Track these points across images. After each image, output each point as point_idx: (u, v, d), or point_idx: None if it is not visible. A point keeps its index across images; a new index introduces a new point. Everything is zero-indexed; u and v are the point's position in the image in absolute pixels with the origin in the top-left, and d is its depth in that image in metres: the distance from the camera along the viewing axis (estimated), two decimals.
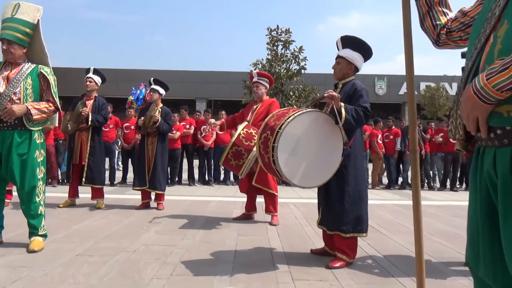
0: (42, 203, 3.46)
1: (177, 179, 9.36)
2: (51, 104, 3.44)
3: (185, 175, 9.59)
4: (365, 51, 3.20)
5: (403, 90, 28.44)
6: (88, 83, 5.64)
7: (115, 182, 8.92)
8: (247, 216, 5.06)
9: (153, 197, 5.78)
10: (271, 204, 4.85)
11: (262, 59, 11.35)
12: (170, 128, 5.83)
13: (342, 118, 2.87)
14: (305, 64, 10.81)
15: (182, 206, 5.95)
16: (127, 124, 8.92)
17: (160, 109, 5.77)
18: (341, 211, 3.06)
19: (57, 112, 3.61)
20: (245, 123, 4.58)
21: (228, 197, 7.22)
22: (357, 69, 3.24)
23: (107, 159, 8.82)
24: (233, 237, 4.06)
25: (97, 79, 5.71)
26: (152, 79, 5.86)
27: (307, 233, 4.36)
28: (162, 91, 5.84)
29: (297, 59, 10.94)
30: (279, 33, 11.03)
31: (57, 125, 3.73)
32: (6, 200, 5.49)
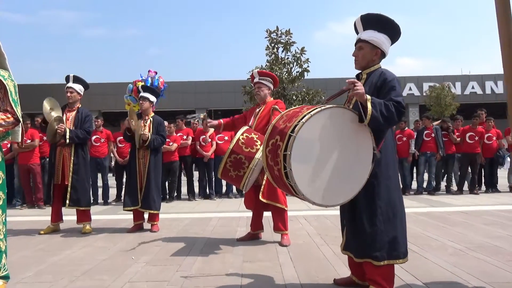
0: (1, 237, 2.82)
1: (175, 194, 8.72)
2: (9, 115, 2.82)
3: (184, 189, 8.95)
4: (393, 31, 2.57)
5: (406, 91, 28.01)
6: (68, 94, 5.03)
7: (109, 201, 8.27)
8: (253, 236, 4.41)
9: (146, 217, 5.13)
10: (281, 221, 4.20)
11: (261, 65, 10.75)
12: (164, 141, 5.20)
13: (368, 115, 2.23)
14: (307, 66, 10.20)
15: (179, 226, 5.29)
16: (121, 138, 8.30)
17: (151, 119, 5.16)
18: (372, 233, 2.40)
19: (20, 125, 2.98)
20: (246, 127, 3.96)
21: (231, 213, 6.57)
22: (384, 54, 2.62)
23: (99, 176, 8.22)
24: (238, 264, 3.41)
25: (79, 87, 5.09)
26: (140, 85, 5.26)
27: (325, 254, 3.70)
28: (152, 98, 5.23)
29: (299, 61, 10.32)
30: (279, 35, 10.43)
31: (19, 140, 3.09)
32: None
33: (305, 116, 2.16)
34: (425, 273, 3.06)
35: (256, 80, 4.36)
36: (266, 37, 10.65)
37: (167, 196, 8.51)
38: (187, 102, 26.50)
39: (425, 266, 3.25)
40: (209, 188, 8.89)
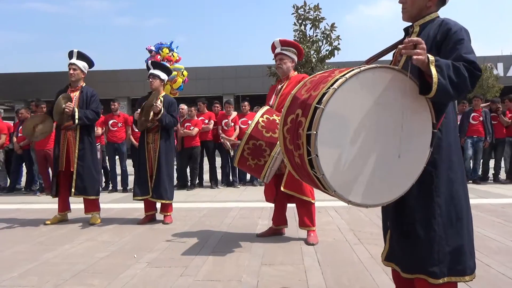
0: None
1: (197, 181, 8.27)
2: None
3: (206, 176, 8.49)
4: None
5: None
6: (71, 71, 4.57)
7: (128, 188, 7.93)
8: (276, 231, 3.85)
9: (159, 207, 4.67)
10: (307, 216, 3.62)
11: (298, 30, 9.93)
12: (175, 122, 4.68)
13: (434, 83, 1.58)
14: (338, 44, 9.37)
15: (195, 218, 4.81)
16: None
17: (162, 99, 4.64)
18: (428, 241, 1.78)
19: None
20: (266, 107, 3.37)
21: (254, 202, 6.02)
22: (442, 1, 1.93)
23: (117, 162, 7.87)
24: (254, 268, 2.86)
25: (82, 65, 4.63)
26: (150, 62, 4.74)
27: (360, 256, 3.10)
28: (163, 76, 4.71)
29: (328, 39, 9.51)
30: (307, 11, 9.63)
31: None
32: None
33: (337, 80, 1.54)
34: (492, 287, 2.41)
35: (277, 50, 3.73)
36: (292, 13, 9.87)
37: (188, 184, 8.08)
38: (214, 88, 26.08)
39: (489, 277, 2.59)
40: (232, 175, 8.38)
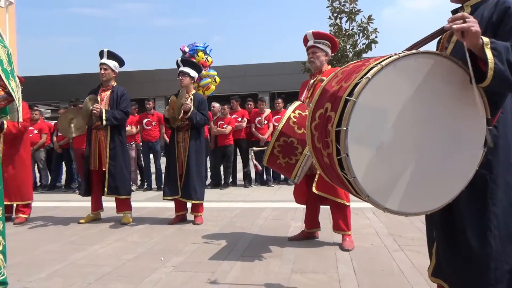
0: None
1: (231, 180, 8.17)
2: None
3: (240, 175, 8.37)
4: None
5: None
6: (102, 71, 4.56)
7: (162, 186, 7.95)
8: (308, 235, 3.65)
9: (190, 207, 4.59)
10: (342, 219, 3.39)
11: (335, 25, 9.60)
12: (206, 121, 4.57)
13: (490, 70, 1.33)
14: (376, 37, 8.95)
15: (227, 218, 4.69)
16: None
17: (192, 97, 4.55)
18: (483, 256, 1.52)
19: (15, 102, 2.48)
20: (297, 102, 3.17)
21: (287, 202, 5.81)
22: None
23: (152, 161, 7.92)
24: (284, 276, 2.68)
25: (113, 64, 4.62)
26: (179, 59, 4.66)
27: (400, 266, 2.84)
28: (194, 73, 4.61)
29: (365, 32, 9.11)
30: (342, 3, 9.27)
31: (18, 120, 2.61)
32: (22, 215, 4.69)
33: (371, 69, 1.33)
34: None
35: (310, 43, 3.51)
36: (327, 7, 9.54)
37: (222, 182, 8.00)
38: (250, 85, 26.02)
39: None
40: (266, 174, 8.22)
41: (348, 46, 9.30)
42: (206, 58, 8.12)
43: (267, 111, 8.11)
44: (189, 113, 4.31)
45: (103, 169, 4.49)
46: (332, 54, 3.63)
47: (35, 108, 8.33)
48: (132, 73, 26.81)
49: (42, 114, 8.67)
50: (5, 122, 4.23)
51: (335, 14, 9.44)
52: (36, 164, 8.22)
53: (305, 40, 3.59)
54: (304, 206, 3.70)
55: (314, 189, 3.29)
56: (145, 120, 7.84)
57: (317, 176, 3.29)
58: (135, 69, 27.24)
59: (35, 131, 8.08)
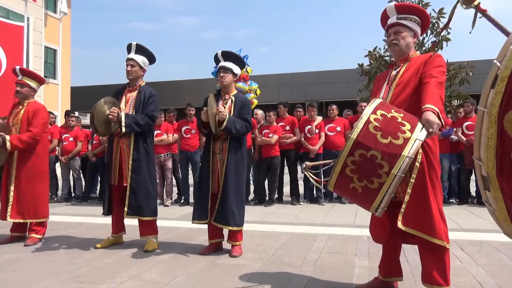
0: None
1: (276, 195, 7.24)
2: None
3: (286, 189, 7.42)
4: None
5: None
6: (129, 68, 3.85)
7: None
8: (384, 285, 2.63)
9: (226, 234, 3.72)
10: (437, 268, 2.34)
11: (377, 46, 8.58)
12: (249, 128, 3.70)
13: None
14: (448, 34, 7.69)
15: (272, 248, 3.77)
16: (186, 127, 7.12)
17: (232, 98, 3.71)
18: None
19: None
20: (378, 100, 2.21)
21: (345, 228, 4.81)
22: None
23: (190, 173, 7.19)
24: None
25: (142, 60, 3.89)
26: (220, 52, 3.83)
27: None
28: (237, 70, 3.79)
29: (435, 28, 7.85)
30: None
31: None
32: (35, 235, 4.07)
33: None
34: None
35: (391, 20, 2.55)
36: (390, 1, 8.44)
37: (266, 198, 7.09)
38: (297, 94, 25.09)
39: None
40: (316, 190, 7.21)
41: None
42: (246, 70, 7.25)
43: (319, 119, 7.14)
44: (225, 123, 3.47)
45: (124, 185, 3.74)
46: (416, 40, 2.63)
47: (72, 114, 7.92)
48: (180, 82, 26.89)
49: (79, 121, 8.25)
50: (7, 137, 3.65)
51: None
52: (71, 173, 7.79)
53: (384, 17, 2.63)
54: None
55: (399, 224, 2.29)
56: (184, 128, 7.14)
57: (404, 206, 2.29)
58: (183, 78, 27.34)
59: (71, 139, 7.67)
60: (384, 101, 2.26)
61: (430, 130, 2.03)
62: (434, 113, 2.07)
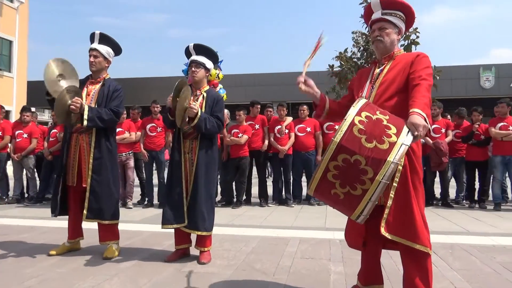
0: None
1: (244, 197, 7.06)
2: None
3: (254, 190, 7.25)
4: None
5: None
6: (91, 58, 3.53)
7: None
8: None
9: (194, 239, 3.49)
10: (420, 275, 2.22)
11: (359, 32, 8.55)
12: (221, 126, 3.49)
13: None
14: (417, 37, 7.81)
15: (242, 254, 3.58)
16: (151, 124, 6.80)
17: (204, 94, 3.50)
18: None
19: None
20: (362, 100, 2.07)
21: (317, 230, 4.71)
22: None
23: (155, 173, 6.87)
24: None
25: (106, 50, 3.59)
26: (192, 45, 3.59)
27: None
28: (209, 64, 3.56)
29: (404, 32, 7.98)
30: None
31: None
32: None
33: None
34: None
35: (376, 15, 2.43)
36: (361, 3, 8.47)
37: (234, 200, 6.89)
38: (264, 95, 25.02)
39: None
40: (285, 192, 7.10)
41: None
42: (217, 75, 6.99)
43: (289, 119, 7.03)
44: (196, 120, 3.25)
45: (83, 186, 3.42)
46: (400, 37, 2.53)
47: (27, 109, 7.36)
48: (149, 80, 26.07)
49: (35, 116, 7.70)
50: None
51: None
52: (24, 172, 7.25)
53: (368, 12, 2.51)
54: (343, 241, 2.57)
55: (382, 230, 2.16)
56: (149, 126, 6.80)
57: (386, 211, 2.17)
58: (151, 76, 26.49)
59: (25, 135, 7.15)
60: (368, 101, 2.12)
61: (416, 133, 1.92)
62: (420, 116, 1.97)
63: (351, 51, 9.13)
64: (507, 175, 6.58)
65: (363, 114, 1.92)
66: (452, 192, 7.10)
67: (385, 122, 1.91)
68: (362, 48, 8.70)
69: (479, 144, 6.60)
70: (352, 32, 9.18)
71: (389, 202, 2.16)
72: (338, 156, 1.84)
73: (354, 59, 8.74)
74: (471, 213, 6.11)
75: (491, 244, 4.01)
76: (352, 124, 1.87)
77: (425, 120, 1.97)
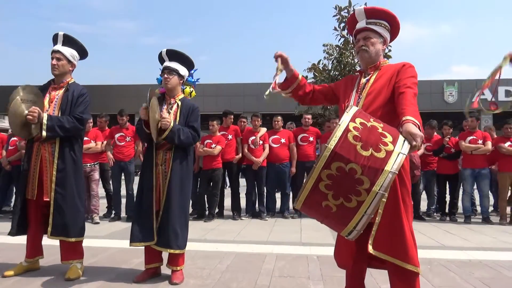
0: None
1: (217, 210, 6.84)
2: None
3: (227, 202, 7.04)
4: None
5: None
6: (54, 61, 3.28)
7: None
8: None
9: (166, 258, 3.26)
10: None
11: (322, 60, 8.66)
12: (196, 137, 3.31)
13: None
14: (389, 51, 7.93)
15: (217, 273, 3.38)
16: (120, 134, 6.53)
17: (178, 103, 3.31)
18: None
19: None
20: (354, 108, 1.96)
21: (293, 246, 4.56)
22: None
23: (123, 185, 6.54)
24: None
25: (70, 53, 3.34)
26: (165, 51, 3.41)
27: None
28: (183, 71, 3.39)
29: None
30: (351, 13, 8.21)
31: None
32: None
33: None
34: None
35: (360, 25, 2.35)
36: (334, 15, 8.55)
37: (206, 213, 6.66)
38: (235, 105, 24.90)
39: None
40: (259, 204, 6.94)
41: (356, 60, 8.28)
42: (190, 93, 6.79)
43: (263, 130, 6.91)
44: (166, 132, 3.06)
45: (45, 199, 3.14)
46: (385, 47, 2.45)
47: None
48: (117, 87, 25.36)
49: None
50: None
51: (342, 25, 8.43)
52: None
53: (352, 21, 2.43)
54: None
55: (370, 248, 2.05)
56: (117, 135, 6.50)
57: (375, 227, 2.06)
58: (120, 83, 25.79)
59: None
60: (360, 109, 2.02)
61: (414, 143, 1.82)
62: (415, 125, 1.88)
63: (323, 64, 9.19)
64: (475, 187, 6.71)
65: (357, 120, 1.81)
66: (423, 205, 7.17)
67: (380, 130, 1.80)
68: (335, 60, 8.75)
69: (450, 157, 6.71)
70: (323, 45, 9.26)
71: (377, 218, 2.06)
72: (332, 164, 1.71)
73: (328, 71, 8.79)
74: (443, 226, 6.17)
75: (467, 259, 3.99)
76: (347, 130, 1.75)
77: (419, 128, 1.88)
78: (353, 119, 1.79)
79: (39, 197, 3.17)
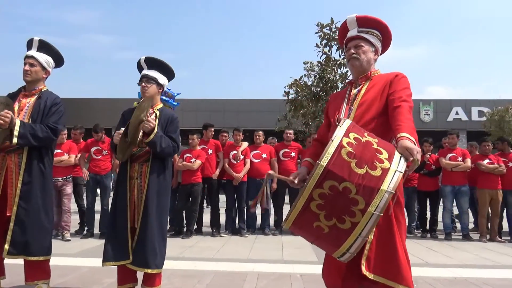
0: None
1: (195, 226, 6.61)
2: None
3: (207, 218, 6.83)
4: None
5: (452, 116, 25.47)
6: (27, 67, 3.07)
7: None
8: None
9: (141, 278, 3.04)
10: None
11: (311, 63, 8.68)
12: (175, 148, 3.13)
13: None
14: None
15: None
16: (96, 148, 6.28)
17: (157, 112, 3.14)
18: None
19: None
20: (348, 121, 1.85)
21: (274, 263, 4.40)
22: None
23: (97, 200, 6.25)
24: None
25: (45, 59, 3.14)
26: (143, 58, 3.25)
27: None
28: (163, 80, 3.23)
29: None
30: (333, 30, 8.32)
31: None
32: None
33: None
34: None
35: (351, 33, 2.27)
36: (316, 32, 8.60)
37: (184, 229, 6.42)
38: (215, 121, 24.70)
39: None
40: (239, 221, 6.76)
41: (338, 77, 8.32)
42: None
43: (244, 144, 6.78)
44: (152, 136, 2.89)
45: (8, 215, 2.89)
46: (377, 57, 2.37)
47: None
48: (95, 101, 24.82)
49: None
50: None
51: (324, 42, 8.49)
52: None
53: (344, 29, 2.35)
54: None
55: (364, 269, 1.92)
56: (93, 149, 6.24)
57: (367, 247, 1.93)
58: (98, 97, 25.29)
59: None
60: (354, 122, 1.91)
61: (411, 158, 1.72)
62: (411, 141, 1.78)
63: (303, 81, 9.22)
64: (454, 204, 6.73)
65: (351, 135, 1.70)
66: None
67: (375, 146, 1.69)
68: (317, 76, 8.78)
69: (430, 174, 6.73)
70: (304, 63, 9.31)
71: (370, 237, 1.94)
72: (324, 182, 1.58)
73: (310, 87, 8.80)
74: (424, 243, 6.12)
75: (452, 277, 3.92)
76: (340, 146, 1.63)
77: (415, 144, 1.79)
78: (346, 134, 1.68)
79: (2, 212, 2.91)
